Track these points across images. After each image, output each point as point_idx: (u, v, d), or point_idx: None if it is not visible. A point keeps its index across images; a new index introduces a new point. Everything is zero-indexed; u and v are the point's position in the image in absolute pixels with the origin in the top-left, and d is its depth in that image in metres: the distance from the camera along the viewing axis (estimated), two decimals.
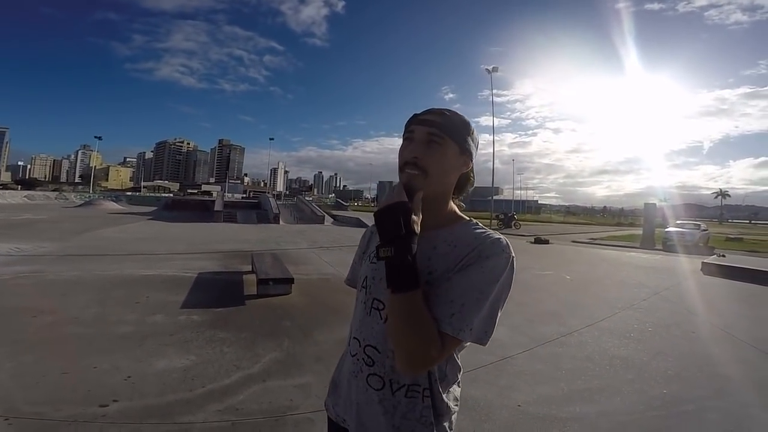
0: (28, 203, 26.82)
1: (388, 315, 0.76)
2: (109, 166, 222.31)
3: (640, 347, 3.73)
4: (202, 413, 2.25)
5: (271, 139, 70.50)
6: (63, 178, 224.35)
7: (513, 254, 0.78)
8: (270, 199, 22.52)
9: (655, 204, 19.79)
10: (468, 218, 0.88)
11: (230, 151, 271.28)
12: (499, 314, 0.77)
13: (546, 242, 14.55)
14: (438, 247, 0.81)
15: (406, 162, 0.81)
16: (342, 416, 0.90)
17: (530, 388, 2.80)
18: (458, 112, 0.85)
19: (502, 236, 0.81)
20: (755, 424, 2.48)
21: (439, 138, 0.81)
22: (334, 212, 26.11)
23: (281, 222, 18.47)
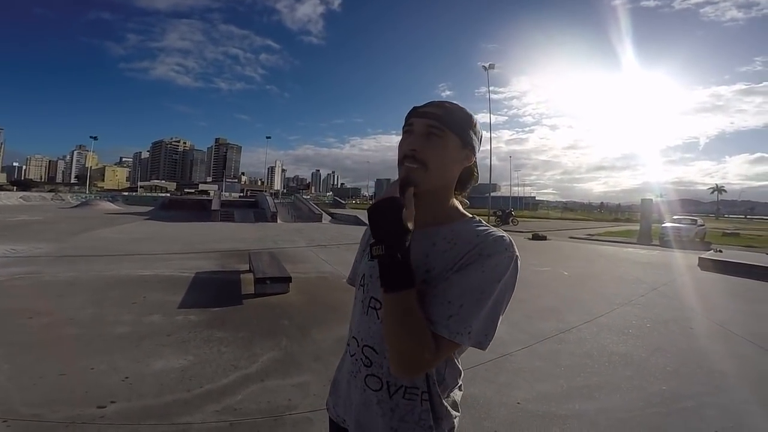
0: (24, 204, 26.65)
1: (382, 315, 0.74)
2: (105, 167, 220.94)
3: (639, 343, 3.73)
4: (200, 414, 2.23)
5: (268, 137, 69.84)
6: (59, 178, 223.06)
7: (517, 253, 0.75)
8: (267, 197, 22.49)
9: (651, 200, 19.88)
10: (471, 215, 0.85)
11: (227, 150, 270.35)
12: (501, 317, 0.73)
13: (544, 238, 14.58)
14: (437, 244, 0.78)
15: (405, 155, 0.78)
16: (342, 417, 0.89)
17: (529, 385, 2.80)
18: (460, 104, 0.82)
19: (505, 234, 0.77)
20: (754, 420, 2.48)
21: (439, 130, 0.78)
22: (332, 210, 26.12)
23: (279, 220, 18.44)
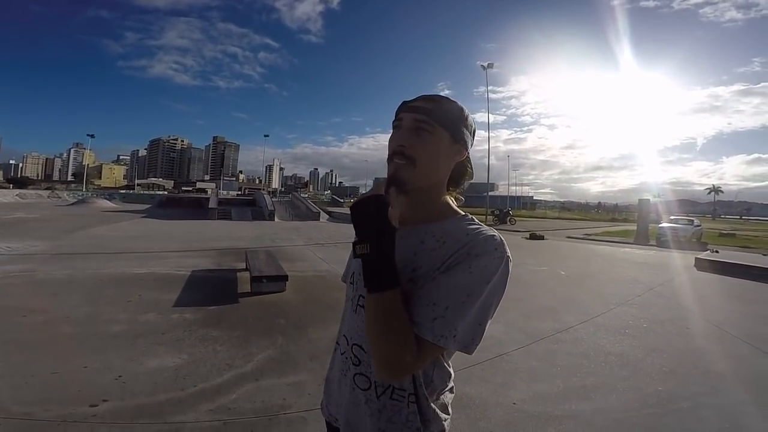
0: (20, 202, 26.47)
1: (366, 315, 0.71)
2: (102, 164, 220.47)
3: (635, 343, 3.73)
4: (194, 413, 2.22)
5: (266, 136, 69.43)
6: (55, 176, 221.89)
7: (508, 253, 0.72)
8: (265, 196, 22.48)
9: (648, 200, 19.93)
10: (463, 213, 0.82)
11: (225, 148, 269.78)
12: (489, 320, 0.71)
13: (541, 238, 14.59)
14: (426, 242, 0.76)
15: (393, 152, 0.76)
16: (334, 415, 0.88)
17: (526, 385, 2.79)
18: (452, 98, 0.79)
19: (496, 233, 0.74)
20: (750, 420, 2.48)
21: (428, 125, 0.75)
22: (330, 209, 26.10)
23: (276, 219, 18.41)
